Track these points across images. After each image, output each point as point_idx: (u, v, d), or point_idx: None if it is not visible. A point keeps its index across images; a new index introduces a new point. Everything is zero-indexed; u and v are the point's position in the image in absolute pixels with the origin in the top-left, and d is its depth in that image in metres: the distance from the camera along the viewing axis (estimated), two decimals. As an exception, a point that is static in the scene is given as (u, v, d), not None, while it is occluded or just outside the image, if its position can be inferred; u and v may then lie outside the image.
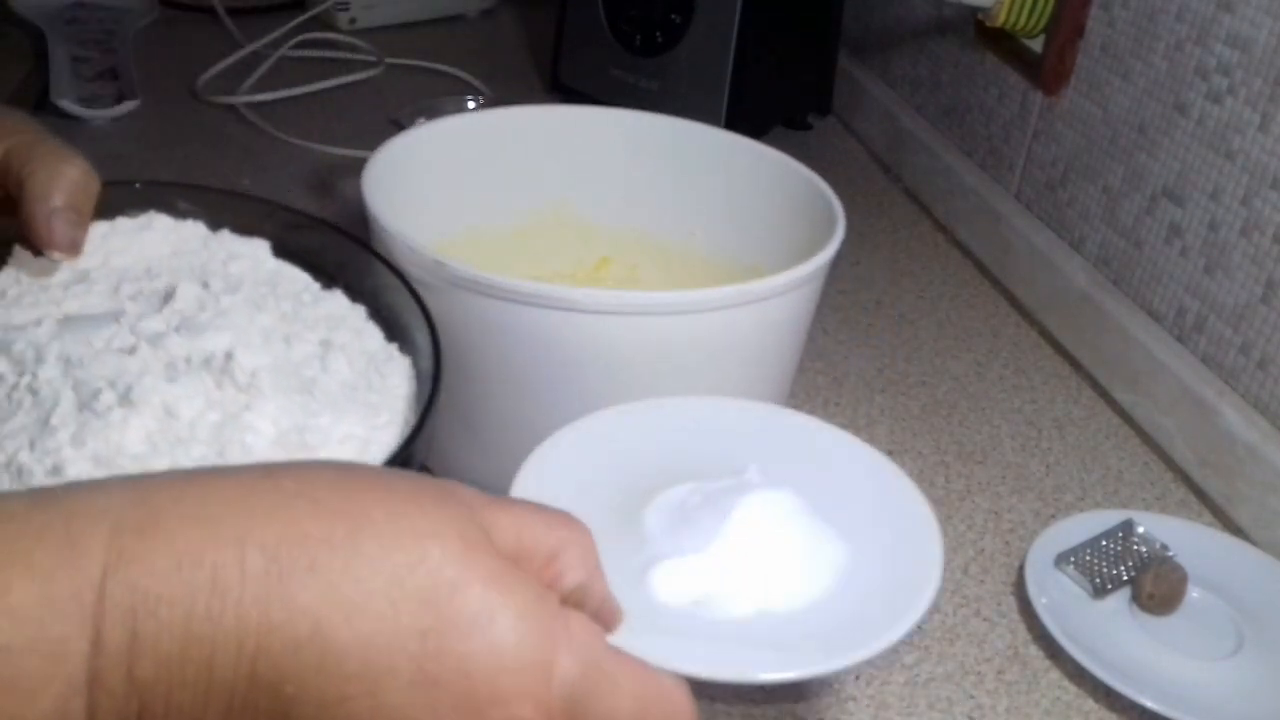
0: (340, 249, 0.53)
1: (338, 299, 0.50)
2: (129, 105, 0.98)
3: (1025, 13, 0.82)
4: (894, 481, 0.45)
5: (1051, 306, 0.83)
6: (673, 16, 0.98)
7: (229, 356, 0.42)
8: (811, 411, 0.72)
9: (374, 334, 0.50)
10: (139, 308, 0.45)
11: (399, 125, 0.92)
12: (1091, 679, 0.54)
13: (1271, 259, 0.64)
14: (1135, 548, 0.61)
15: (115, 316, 0.44)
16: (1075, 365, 0.80)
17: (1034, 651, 0.56)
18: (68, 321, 0.44)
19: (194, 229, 0.51)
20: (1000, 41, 0.89)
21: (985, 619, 0.58)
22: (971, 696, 0.54)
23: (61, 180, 0.44)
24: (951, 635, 0.57)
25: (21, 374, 0.41)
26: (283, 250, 0.51)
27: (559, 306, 0.51)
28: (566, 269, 0.73)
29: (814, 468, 0.45)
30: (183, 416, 0.40)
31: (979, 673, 0.55)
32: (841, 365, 0.77)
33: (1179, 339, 0.72)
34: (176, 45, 1.14)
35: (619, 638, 0.33)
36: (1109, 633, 0.56)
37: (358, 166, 0.59)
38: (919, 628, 0.38)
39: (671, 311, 0.53)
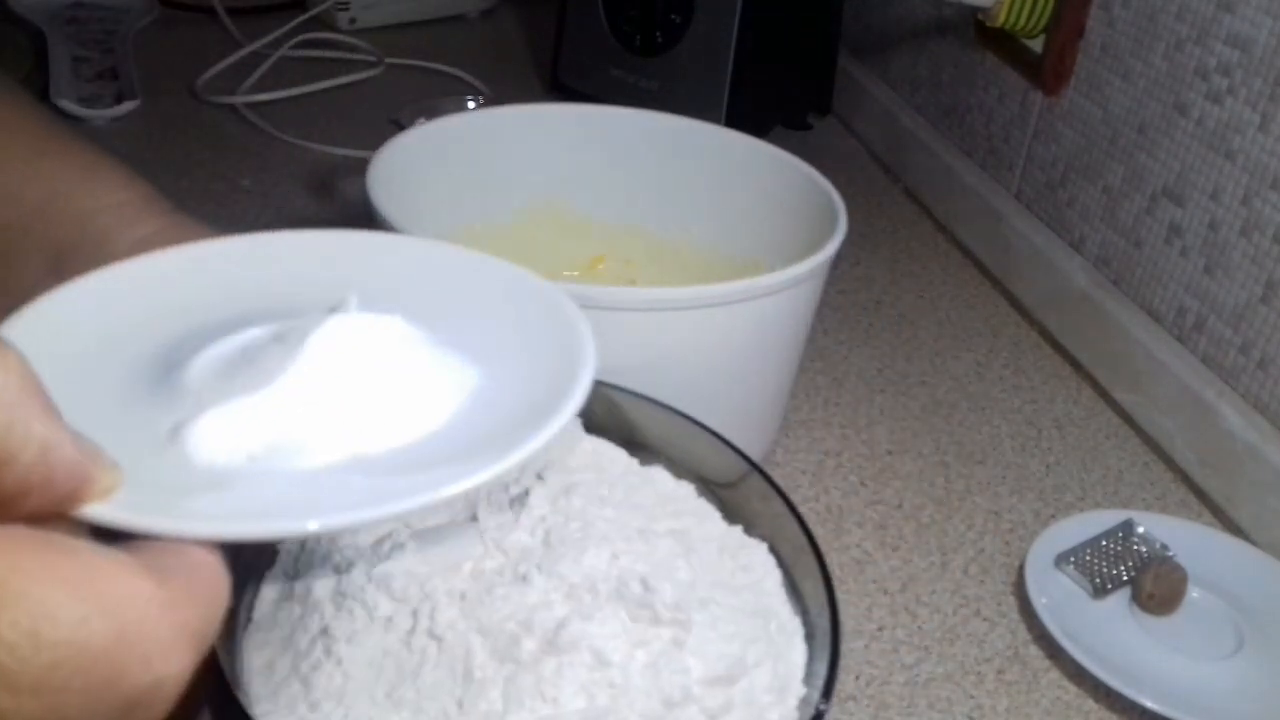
0: (639, 410, 0.48)
1: (663, 476, 0.46)
2: (129, 105, 0.98)
3: (1025, 13, 0.82)
4: (544, 301, 0.38)
5: (1051, 306, 0.83)
6: (673, 16, 0.98)
7: (645, 584, 0.38)
8: (811, 411, 0.72)
9: (712, 514, 0.45)
10: (493, 516, 0.40)
11: (399, 125, 0.92)
12: (1091, 679, 0.54)
13: (1271, 259, 0.64)
14: (1135, 548, 0.61)
15: (480, 533, 0.39)
16: (1075, 365, 0.80)
17: (1034, 651, 0.56)
18: (421, 537, 0.39)
19: None
20: (1000, 41, 0.89)
21: (985, 619, 0.58)
22: (971, 696, 0.54)
23: None
24: (951, 635, 0.57)
25: (416, 618, 0.36)
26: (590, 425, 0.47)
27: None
28: (562, 266, 0.73)
29: (440, 293, 0.37)
30: (614, 661, 0.36)
31: (979, 673, 0.55)
32: (841, 365, 0.77)
33: (1179, 339, 0.72)
34: (176, 45, 1.14)
35: (105, 509, 0.25)
36: (1109, 633, 0.56)
37: (358, 166, 0.59)
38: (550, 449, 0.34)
39: (673, 307, 0.53)
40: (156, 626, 0.22)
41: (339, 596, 0.38)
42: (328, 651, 0.36)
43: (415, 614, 0.37)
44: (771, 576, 0.43)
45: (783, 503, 0.44)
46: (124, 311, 0.34)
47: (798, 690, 0.39)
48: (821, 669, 0.39)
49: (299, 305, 0.34)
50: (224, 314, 0.34)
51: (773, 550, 0.44)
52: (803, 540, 0.43)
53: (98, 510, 0.25)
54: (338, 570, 0.38)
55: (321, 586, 0.38)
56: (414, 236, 0.40)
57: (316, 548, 0.40)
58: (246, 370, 0.31)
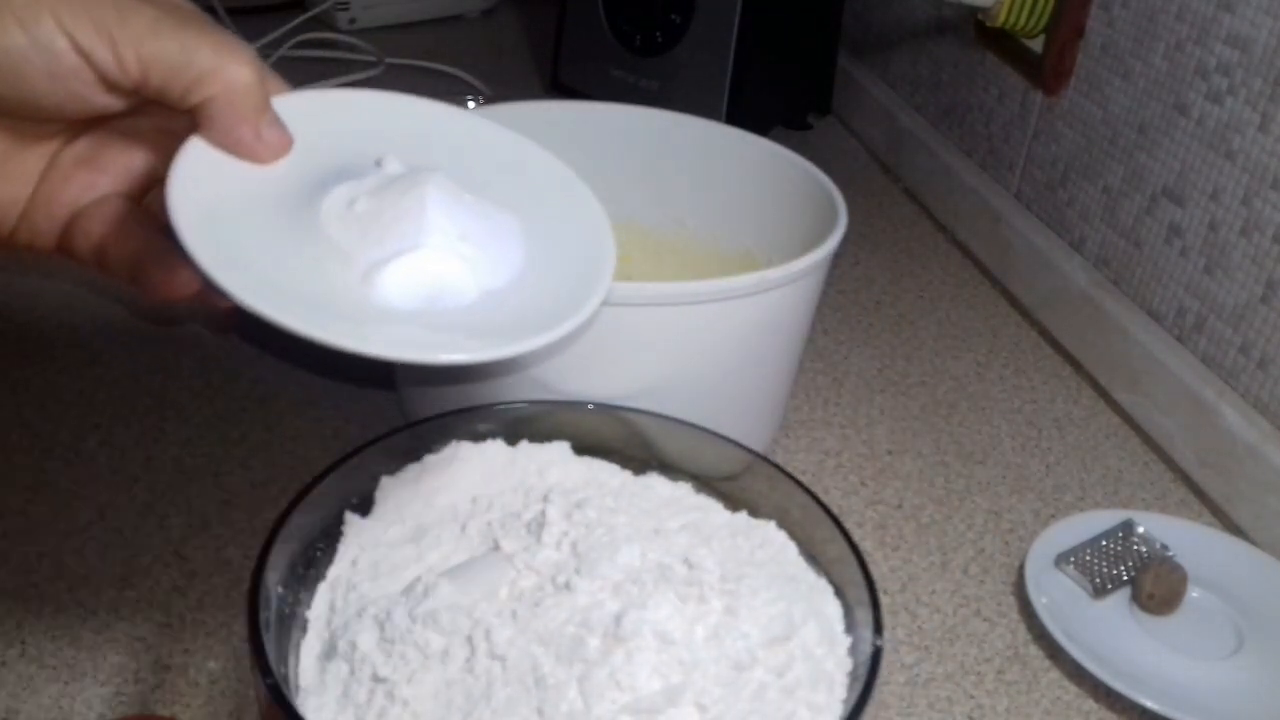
0: (632, 422, 0.51)
1: (659, 482, 0.49)
2: (129, 105, 0.98)
3: (1025, 13, 0.82)
4: (532, 156, 0.47)
5: (1051, 306, 0.83)
6: (673, 16, 0.98)
7: (689, 563, 0.41)
8: (811, 411, 0.72)
9: (715, 506, 0.48)
10: (515, 542, 0.43)
11: (399, 125, 0.92)
12: (1091, 679, 0.54)
13: (1271, 259, 0.64)
14: (1135, 548, 0.61)
15: (508, 559, 0.42)
16: (1075, 365, 0.80)
17: (1034, 651, 0.56)
18: (452, 574, 0.41)
19: (495, 448, 0.48)
20: (1000, 41, 0.89)
21: (985, 619, 0.58)
22: (971, 696, 0.54)
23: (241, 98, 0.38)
24: (951, 635, 0.57)
25: (472, 645, 0.38)
26: (580, 447, 0.50)
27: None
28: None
29: (448, 151, 0.45)
30: (677, 639, 0.38)
31: (979, 673, 0.55)
32: (841, 365, 0.77)
33: (1179, 339, 0.72)
34: (176, 45, 1.14)
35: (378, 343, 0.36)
36: (1109, 633, 0.56)
37: (358, 166, 0.59)
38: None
39: (671, 302, 0.53)
40: None
41: (386, 644, 0.39)
42: (390, 697, 0.37)
43: (470, 641, 0.38)
44: (788, 548, 0.46)
45: (788, 482, 0.46)
46: (236, 171, 0.40)
47: (843, 640, 0.42)
48: (860, 617, 0.42)
49: (337, 164, 0.41)
50: (295, 175, 0.40)
51: (781, 527, 0.46)
52: (814, 510, 0.45)
53: (360, 343, 0.36)
54: (378, 621, 0.39)
55: (365, 639, 0.39)
56: (443, 105, 0.47)
57: (350, 603, 0.41)
58: (388, 230, 0.39)
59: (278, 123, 0.40)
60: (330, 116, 0.43)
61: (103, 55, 0.34)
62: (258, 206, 0.39)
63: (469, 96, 1.05)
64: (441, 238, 0.39)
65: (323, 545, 0.44)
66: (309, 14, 1.17)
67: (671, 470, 0.50)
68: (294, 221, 0.39)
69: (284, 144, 0.40)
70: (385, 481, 0.46)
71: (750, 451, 0.48)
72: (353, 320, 0.37)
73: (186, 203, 0.36)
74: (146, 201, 0.41)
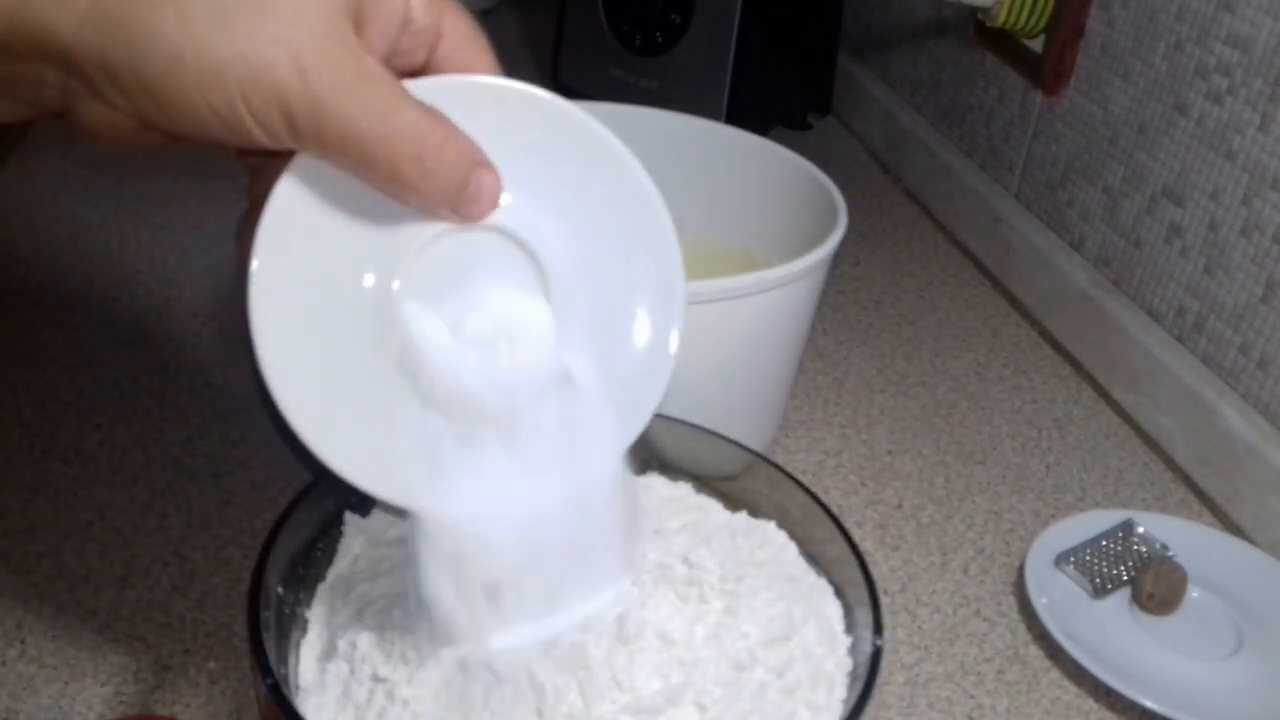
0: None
1: (659, 482, 0.48)
2: (129, 105, 0.97)
3: (1025, 13, 0.82)
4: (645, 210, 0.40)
5: (1051, 306, 0.83)
6: (673, 16, 0.98)
7: (689, 563, 0.41)
8: (811, 411, 0.72)
9: (715, 506, 0.48)
10: None
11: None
12: (1091, 679, 0.54)
13: (1271, 259, 0.64)
14: (1135, 548, 0.61)
15: None
16: (1075, 365, 0.80)
17: (1034, 651, 0.56)
18: None
19: None
20: (1000, 41, 0.89)
21: (985, 619, 0.58)
22: (971, 696, 0.54)
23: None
24: (951, 635, 0.57)
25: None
26: None
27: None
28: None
29: (568, 182, 0.38)
30: (678, 640, 0.38)
31: (979, 673, 0.55)
32: (841, 365, 0.77)
33: (1179, 339, 0.72)
34: (176, 45, 1.14)
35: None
36: (1109, 633, 0.56)
37: (358, 166, 0.59)
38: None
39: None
40: None
41: (386, 644, 0.38)
42: (390, 697, 0.37)
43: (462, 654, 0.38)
44: (788, 548, 0.46)
45: (788, 482, 0.46)
46: (327, 211, 0.36)
47: (843, 639, 0.42)
48: (860, 618, 0.42)
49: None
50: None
51: (781, 527, 0.46)
52: (814, 510, 0.45)
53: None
54: (378, 621, 0.39)
55: (365, 639, 0.39)
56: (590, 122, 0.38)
57: (350, 603, 0.41)
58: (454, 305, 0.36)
59: (480, 196, 0.34)
60: (504, 125, 0.36)
61: (291, 145, 0.34)
62: (350, 244, 0.35)
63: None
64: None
65: (323, 545, 0.44)
66: (309, 14, 1.17)
67: (671, 470, 0.50)
68: (382, 277, 0.36)
69: (486, 212, 0.35)
70: None
71: (750, 451, 0.48)
72: (370, 452, 0.36)
73: (273, 240, 0.35)
74: None
